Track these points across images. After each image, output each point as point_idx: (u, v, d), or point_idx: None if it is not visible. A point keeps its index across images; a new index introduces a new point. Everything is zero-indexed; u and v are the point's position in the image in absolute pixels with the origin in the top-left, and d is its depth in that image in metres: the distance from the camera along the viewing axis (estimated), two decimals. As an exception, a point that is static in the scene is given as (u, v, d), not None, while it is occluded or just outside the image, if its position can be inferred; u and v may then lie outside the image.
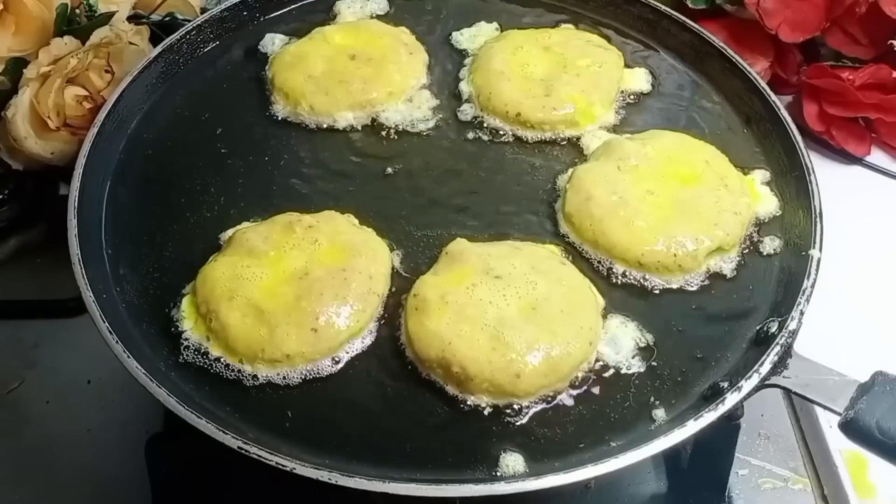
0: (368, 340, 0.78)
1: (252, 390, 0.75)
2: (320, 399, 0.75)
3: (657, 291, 0.82)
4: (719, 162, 0.89)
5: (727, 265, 0.84)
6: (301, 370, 0.76)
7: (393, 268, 0.82)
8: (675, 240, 0.82)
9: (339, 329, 0.76)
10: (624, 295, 0.81)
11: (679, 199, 0.85)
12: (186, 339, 0.78)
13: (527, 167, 0.92)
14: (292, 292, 0.77)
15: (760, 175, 0.91)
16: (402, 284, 0.81)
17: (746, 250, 0.85)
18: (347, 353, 0.77)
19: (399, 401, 0.75)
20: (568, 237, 0.86)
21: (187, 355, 0.77)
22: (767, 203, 0.88)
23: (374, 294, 0.79)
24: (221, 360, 0.76)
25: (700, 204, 0.85)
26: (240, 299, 0.77)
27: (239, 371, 0.76)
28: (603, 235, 0.83)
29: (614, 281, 0.82)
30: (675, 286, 0.82)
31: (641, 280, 0.82)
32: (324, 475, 0.66)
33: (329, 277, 0.78)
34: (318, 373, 0.76)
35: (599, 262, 0.84)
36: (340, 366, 0.76)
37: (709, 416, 0.70)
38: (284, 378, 0.75)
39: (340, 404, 0.75)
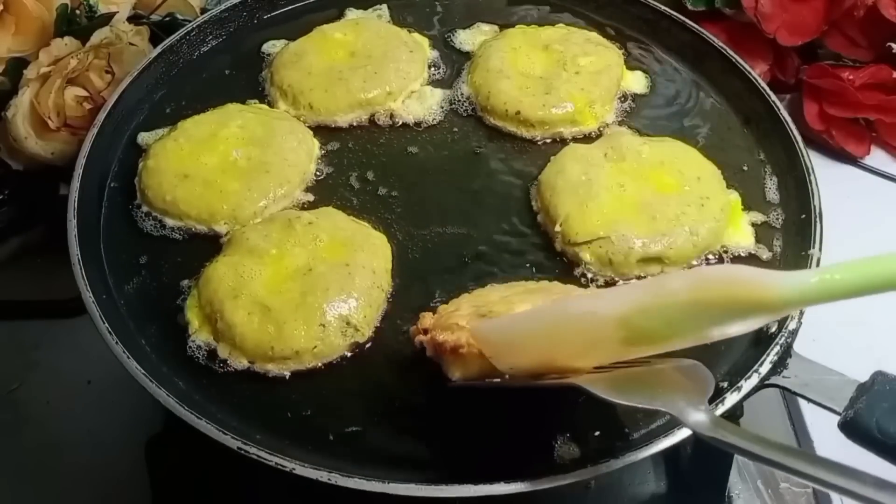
0: (377, 334, 0.78)
1: (256, 388, 0.75)
2: (326, 395, 0.75)
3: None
4: (712, 183, 0.87)
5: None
6: (308, 366, 0.76)
7: (394, 263, 0.82)
8: (614, 232, 0.81)
9: (347, 323, 0.77)
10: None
11: (644, 201, 0.84)
12: (192, 341, 0.77)
13: (527, 166, 0.92)
14: (297, 288, 0.77)
15: (755, 216, 0.88)
16: (402, 280, 0.81)
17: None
18: (355, 347, 0.77)
19: (409, 395, 0.75)
20: (533, 206, 0.88)
21: (192, 356, 0.77)
22: (743, 240, 0.85)
23: (377, 288, 0.79)
24: (228, 359, 0.76)
25: (661, 211, 0.83)
26: (244, 297, 0.77)
27: (244, 370, 0.76)
28: (554, 207, 0.84)
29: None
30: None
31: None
32: (323, 475, 0.66)
33: (333, 273, 0.78)
34: (325, 369, 0.76)
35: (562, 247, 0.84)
36: (347, 361, 0.77)
37: (708, 416, 0.70)
38: (290, 375, 0.75)
39: (347, 400, 0.75)
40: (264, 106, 0.98)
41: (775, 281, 0.55)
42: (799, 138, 0.91)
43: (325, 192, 0.90)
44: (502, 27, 1.06)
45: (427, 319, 0.75)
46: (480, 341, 0.66)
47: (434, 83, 1.01)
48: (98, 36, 1.05)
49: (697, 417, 0.58)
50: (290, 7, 1.11)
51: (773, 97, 0.95)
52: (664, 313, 0.58)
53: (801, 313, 0.76)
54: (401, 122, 0.97)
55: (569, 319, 0.63)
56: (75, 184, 0.86)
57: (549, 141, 0.95)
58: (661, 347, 0.61)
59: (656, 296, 0.59)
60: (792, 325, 0.75)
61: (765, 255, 0.85)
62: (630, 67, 1.02)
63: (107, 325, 0.75)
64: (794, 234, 0.85)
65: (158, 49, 1.01)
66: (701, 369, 0.64)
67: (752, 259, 0.84)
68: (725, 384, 0.73)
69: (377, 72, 0.97)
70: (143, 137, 0.95)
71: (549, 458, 0.70)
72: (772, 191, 0.90)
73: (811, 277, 0.56)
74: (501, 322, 0.67)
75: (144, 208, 0.88)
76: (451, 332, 0.68)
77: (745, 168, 0.92)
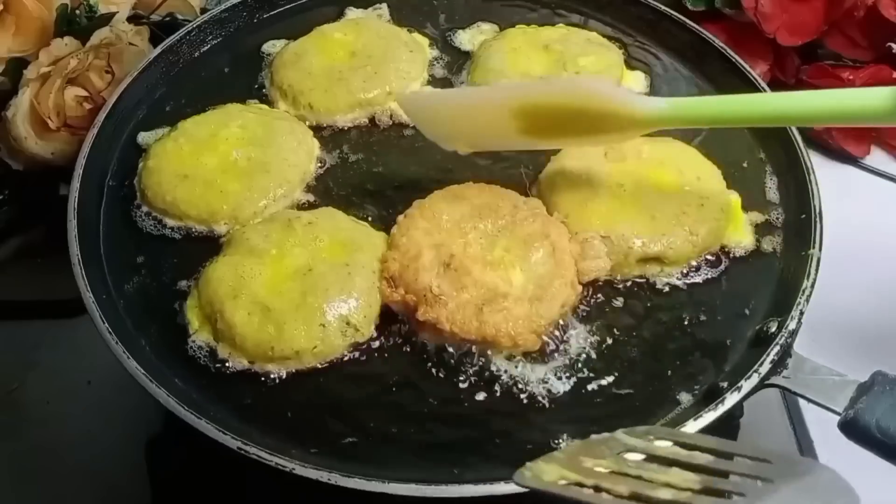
0: (377, 334, 0.78)
1: (256, 388, 0.75)
2: (327, 395, 0.75)
3: (662, 288, 0.82)
4: (712, 183, 0.86)
5: (723, 265, 0.84)
6: (308, 367, 0.76)
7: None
8: (614, 232, 0.81)
9: (347, 323, 0.77)
10: (624, 291, 0.82)
11: (645, 201, 0.84)
12: (192, 341, 0.78)
13: (527, 166, 0.92)
14: (297, 289, 0.77)
15: (755, 216, 0.87)
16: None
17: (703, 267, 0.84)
18: (355, 347, 0.77)
19: (409, 395, 0.75)
20: None
21: (192, 356, 0.77)
22: (743, 239, 0.85)
23: (377, 288, 0.79)
24: (228, 359, 0.76)
25: (661, 210, 0.83)
26: (244, 298, 0.77)
27: (244, 370, 0.76)
28: (554, 206, 0.84)
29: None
30: (671, 282, 0.82)
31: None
32: (323, 475, 0.66)
33: (333, 273, 0.78)
34: (325, 369, 0.76)
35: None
36: (347, 361, 0.76)
37: (708, 416, 0.70)
38: (290, 375, 0.75)
39: (347, 400, 0.75)
40: (264, 106, 0.98)
41: (634, 106, 0.75)
42: (799, 138, 0.90)
43: (325, 192, 0.90)
44: (502, 27, 1.06)
45: (393, 264, 0.78)
46: (410, 115, 0.88)
47: (434, 83, 1.01)
48: (98, 36, 1.05)
49: None
50: (290, 7, 1.11)
51: (774, 97, 0.95)
52: (549, 112, 0.76)
53: (801, 313, 0.76)
54: (401, 122, 0.97)
55: (474, 102, 0.83)
56: (75, 184, 0.86)
57: (549, 141, 0.95)
58: (556, 144, 0.84)
59: (539, 96, 0.76)
60: (792, 325, 0.75)
61: (765, 254, 0.85)
62: (630, 67, 1.02)
63: (107, 325, 0.75)
64: (794, 233, 0.85)
65: (158, 49, 1.01)
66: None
67: (753, 257, 0.84)
68: (725, 384, 0.73)
69: (377, 72, 0.97)
70: (143, 137, 0.95)
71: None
72: (772, 190, 0.90)
73: (662, 104, 0.76)
74: (426, 99, 0.87)
75: (144, 208, 0.88)
76: (429, 308, 0.75)
77: (745, 168, 0.92)
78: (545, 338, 0.77)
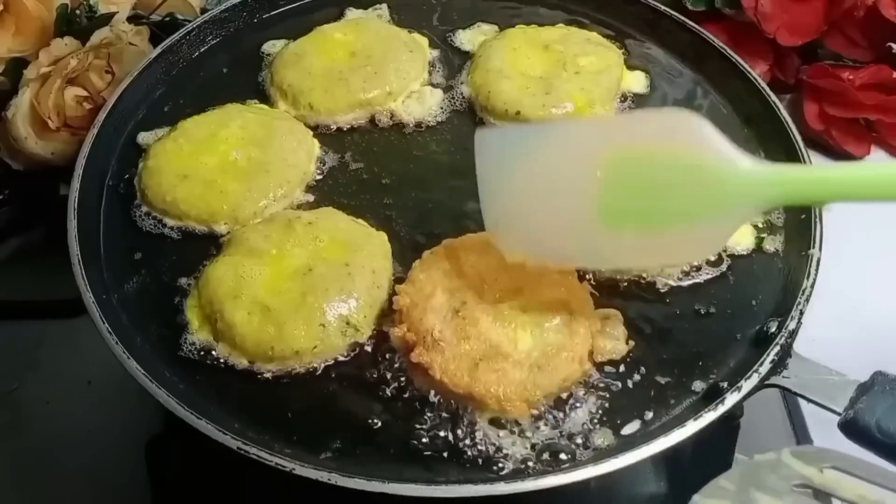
0: (375, 334, 0.78)
1: (256, 389, 0.75)
2: (327, 395, 0.75)
3: (661, 288, 0.82)
4: None
5: (723, 265, 0.84)
6: (308, 366, 0.76)
7: (394, 263, 0.82)
8: None
9: (347, 323, 0.77)
10: (624, 291, 0.81)
11: None
12: (191, 341, 0.77)
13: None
14: (297, 289, 0.78)
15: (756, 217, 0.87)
16: (401, 280, 0.81)
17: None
18: (354, 347, 0.77)
19: (409, 394, 0.75)
20: None
21: (192, 356, 0.77)
22: (743, 239, 0.85)
23: (377, 288, 0.79)
24: (227, 359, 0.76)
25: None
26: (245, 298, 0.77)
27: (244, 370, 0.76)
28: None
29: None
30: (671, 283, 0.82)
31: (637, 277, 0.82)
32: (323, 475, 0.66)
33: (333, 273, 0.78)
34: (325, 368, 0.76)
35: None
36: (347, 361, 0.76)
37: (708, 416, 0.70)
38: (290, 375, 0.75)
39: (347, 399, 0.74)
40: (264, 106, 0.98)
41: (730, 157, 0.65)
42: (799, 138, 0.91)
43: (325, 192, 0.90)
44: (502, 27, 1.06)
45: (404, 298, 0.76)
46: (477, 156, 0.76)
47: (434, 83, 1.01)
48: (98, 36, 1.05)
49: None
50: (290, 7, 1.11)
51: (773, 97, 0.95)
52: (636, 171, 0.67)
53: (801, 313, 0.76)
54: (401, 123, 0.97)
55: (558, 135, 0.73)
56: (75, 184, 0.86)
57: (549, 141, 0.95)
58: (639, 235, 0.69)
59: (630, 132, 0.69)
60: (792, 325, 0.75)
61: (766, 254, 0.85)
62: (630, 67, 1.02)
63: (107, 325, 0.75)
64: (794, 233, 0.85)
65: (158, 49, 1.01)
66: None
67: (753, 257, 0.84)
68: (725, 384, 0.73)
69: (377, 72, 0.97)
70: (143, 137, 0.95)
71: (550, 458, 0.71)
72: (772, 191, 0.90)
73: (769, 170, 0.64)
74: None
75: (144, 208, 0.88)
76: (425, 350, 0.73)
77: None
78: (536, 411, 0.73)
